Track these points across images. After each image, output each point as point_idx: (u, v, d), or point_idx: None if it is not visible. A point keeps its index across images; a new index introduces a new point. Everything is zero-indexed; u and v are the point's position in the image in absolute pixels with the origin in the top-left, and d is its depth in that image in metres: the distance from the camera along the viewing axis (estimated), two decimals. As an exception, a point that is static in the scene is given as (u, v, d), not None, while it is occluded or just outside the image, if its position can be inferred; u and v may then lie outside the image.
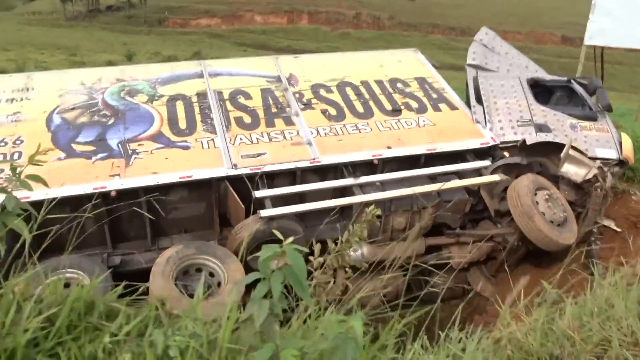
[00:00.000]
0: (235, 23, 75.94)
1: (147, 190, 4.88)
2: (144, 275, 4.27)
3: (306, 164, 5.28)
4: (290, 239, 1.92)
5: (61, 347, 2.12)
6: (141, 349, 2.06)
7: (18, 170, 2.44)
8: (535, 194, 5.48)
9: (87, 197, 4.71)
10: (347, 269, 3.66)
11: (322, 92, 6.30)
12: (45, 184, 2.50)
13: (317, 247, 4.53)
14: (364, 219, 3.70)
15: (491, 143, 5.93)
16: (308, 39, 69.98)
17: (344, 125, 5.82)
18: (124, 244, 5.19)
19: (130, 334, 2.20)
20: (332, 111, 6.01)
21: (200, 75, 6.36)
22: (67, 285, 4.51)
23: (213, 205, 5.21)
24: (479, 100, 6.44)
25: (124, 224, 5.13)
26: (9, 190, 2.31)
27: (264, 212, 4.73)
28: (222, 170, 5.08)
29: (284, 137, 5.55)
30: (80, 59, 31.65)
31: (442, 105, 6.37)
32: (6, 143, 5.17)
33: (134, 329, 2.23)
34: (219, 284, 4.53)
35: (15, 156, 5.03)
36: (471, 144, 5.87)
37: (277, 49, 62.10)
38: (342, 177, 5.37)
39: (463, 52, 7.91)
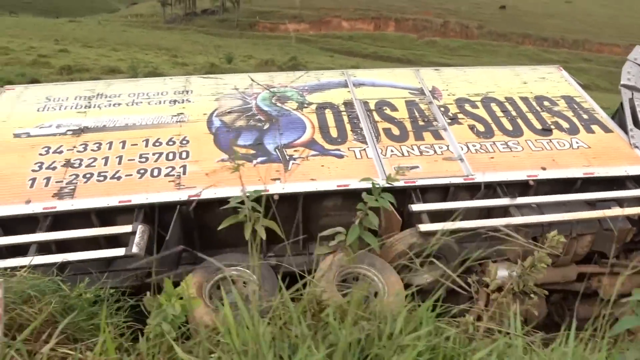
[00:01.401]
0: (323, 28, 77.12)
1: (305, 195, 5.04)
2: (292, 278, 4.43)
3: (460, 180, 5.21)
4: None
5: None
6: None
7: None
8: None
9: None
10: (531, 295, 3.58)
11: (468, 106, 6.21)
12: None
13: (493, 268, 4.48)
14: (547, 244, 3.60)
15: (654, 170, 5.57)
16: (394, 46, 69.65)
17: (494, 143, 5.70)
18: (275, 245, 5.37)
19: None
20: (480, 127, 5.90)
21: (345, 85, 6.48)
22: (234, 283, 4.75)
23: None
24: (636, 123, 6.08)
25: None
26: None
27: (423, 227, 4.72)
28: (377, 181, 5.11)
29: (435, 151, 5.51)
30: (182, 60, 33.32)
31: (595, 127, 6.08)
32: (174, 142, 5.52)
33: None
34: (375, 294, 4.57)
35: (184, 155, 5.36)
36: (631, 170, 5.54)
37: (364, 55, 62.33)
38: (495, 196, 5.25)
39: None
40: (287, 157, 5.32)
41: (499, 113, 6.15)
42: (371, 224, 3.49)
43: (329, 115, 5.94)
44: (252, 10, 79.77)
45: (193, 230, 5.15)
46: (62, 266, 4.22)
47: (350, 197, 5.21)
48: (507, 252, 4.92)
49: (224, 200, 4.97)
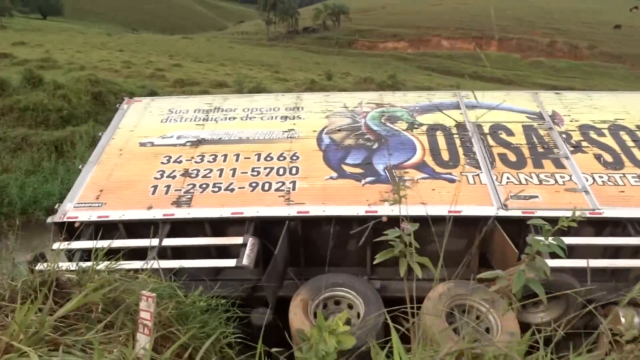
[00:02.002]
0: (422, 47, 76.34)
1: (413, 219, 4.89)
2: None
3: (585, 214, 4.80)
4: None
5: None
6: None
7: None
8: None
9: (354, 219, 4.92)
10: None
11: (593, 134, 5.75)
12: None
13: (628, 315, 4.06)
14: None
15: None
16: (496, 66, 67.16)
17: (624, 175, 5.20)
18: (379, 268, 5.26)
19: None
20: (608, 157, 5.42)
21: (457, 107, 6.28)
22: (337, 303, 4.70)
23: (473, 243, 5.02)
24: None
25: (378, 248, 5.20)
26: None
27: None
28: (492, 210, 4.87)
29: (555, 180, 5.14)
30: (283, 76, 34.41)
31: None
32: (284, 158, 5.63)
33: None
34: (487, 330, 4.30)
35: (294, 171, 5.44)
36: None
37: (462, 75, 60.67)
38: (625, 234, 4.77)
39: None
40: (397, 179, 5.22)
41: (629, 142, 5.62)
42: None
43: (440, 137, 5.77)
44: (351, 28, 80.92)
45: (299, 247, 5.19)
46: (175, 273, 4.42)
47: (461, 223, 4.99)
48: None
49: (330, 219, 5.00)
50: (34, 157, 11.49)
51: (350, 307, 4.63)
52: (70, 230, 5.15)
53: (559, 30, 78.88)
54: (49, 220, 5.14)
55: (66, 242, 4.97)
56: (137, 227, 5.16)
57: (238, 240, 4.82)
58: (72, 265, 3.95)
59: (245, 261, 4.63)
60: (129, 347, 2.77)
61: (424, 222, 5.00)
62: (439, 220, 5.01)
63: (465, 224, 4.98)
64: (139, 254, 4.85)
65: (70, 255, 5.08)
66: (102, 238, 5.14)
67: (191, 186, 5.36)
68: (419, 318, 4.23)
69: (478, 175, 5.22)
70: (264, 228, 5.06)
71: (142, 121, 6.41)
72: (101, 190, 5.39)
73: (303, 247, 5.20)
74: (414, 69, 64.96)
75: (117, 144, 6.03)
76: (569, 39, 76.25)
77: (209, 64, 39.17)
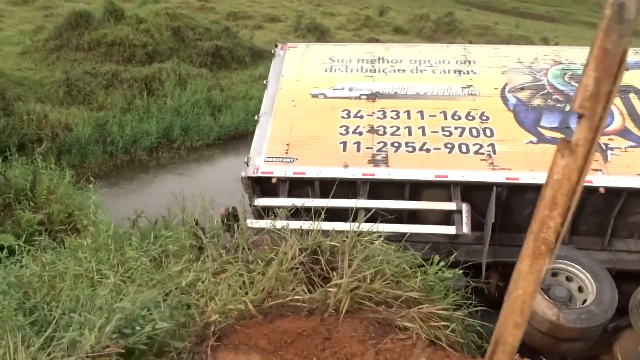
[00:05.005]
0: (459, -20, 72.53)
1: (629, 191, 4.72)
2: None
3: None
4: None
5: None
6: None
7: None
8: None
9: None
10: None
11: None
12: None
13: None
14: None
15: None
16: (537, 1, 63.95)
17: None
18: (576, 237, 5.15)
19: None
20: None
21: (638, 65, 5.91)
22: (568, 279, 4.60)
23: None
24: None
25: (581, 219, 5.07)
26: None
27: None
28: None
29: None
30: (328, 10, 33.07)
31: None
32: (473, 117, 5.40)
33: None
34: None
35: (488, 132, 5.23)
36: None
37: (503, 11, 58.07)
38: None
39: None
40: (604, 147, 4.99)
41: None
42: None
43: (635, 100, 5.46)
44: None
45: (497, 212, 5.07)
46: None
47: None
48: None
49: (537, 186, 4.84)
50: (126, 94, 11.30)
51: (569, 279, 4.56)
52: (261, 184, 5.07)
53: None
54: (243, 174, 5.04)
55: (269, 199, 4.91)
56: (330, 185, 5.05)
57: (451, 205, 4.72)
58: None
59: (465, 229, 4.55)
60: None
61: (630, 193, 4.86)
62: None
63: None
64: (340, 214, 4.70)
65: (256, 211, 5.03)
66: (290, 195, 5.08)
67: (382, 144, 5.19)
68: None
69: (691, 144, 4.97)
70: (464, 192, 4.93)
71: (305, 70, 6.15)
72: (287, 144, 5.25)
73: (501, 213, 5.07)
74: (451, 3, 62.14)
75: (288, 94, 5.82)
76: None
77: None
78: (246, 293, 2.53)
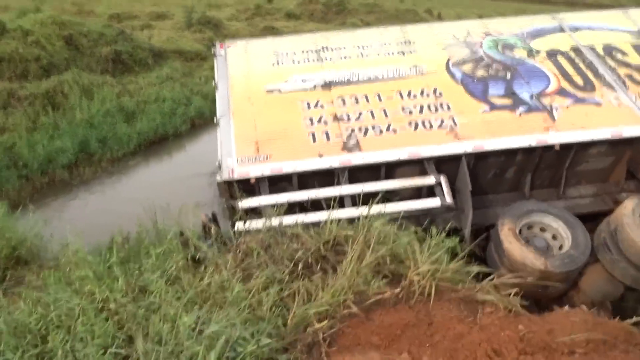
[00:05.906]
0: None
1: (578, 144, 5.21)
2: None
3: None
4: None
5: None
6: None
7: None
8: None
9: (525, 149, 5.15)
10: None
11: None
12: None
13: None
14: None
15: None
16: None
17: None
18: (534, 191, 5.59)
19: None
20: None
21: (559, 30, 6.48)
22: (542, 230, 4.96)
23: (619, 160, 5.46)
24: None
25: (537, 174, 5.50)
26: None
27: None
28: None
29: (689, 94, 5.61)
30: (214, 1, 32.19)
31: None
32: (428, 95, 5.61)
33: None
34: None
35: (445, 107, 5.46)
36: None
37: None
38: None
39: None
40: (549, 107, 5.43)
41: None
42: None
43: (563, 62, 5.98)
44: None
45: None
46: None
47: (617, 144, 5.37)
48: None
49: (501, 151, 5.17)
50: (28, 112, 10.24)
51: (542, 230, 4.94)
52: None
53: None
54: (218, 179, 4.84)
55: (253, 198, 4.77)
56: (307, 178, 5.02)
57: (430, 179, 4.89)
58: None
59: (448, 199, 4.76)
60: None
61: (580, 145, 5.36)
62: (596, 143, 5.37)
63: (616, 144, 5.37)
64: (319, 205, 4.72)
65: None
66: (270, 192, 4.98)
67: (350, 130, 5.23)
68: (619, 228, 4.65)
69: (617, 97, 5.57)
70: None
71: (252, 66, 5.98)
72: (256, 142, 5.11)
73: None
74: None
75: (241, 92, 5.64)
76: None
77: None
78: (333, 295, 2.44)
